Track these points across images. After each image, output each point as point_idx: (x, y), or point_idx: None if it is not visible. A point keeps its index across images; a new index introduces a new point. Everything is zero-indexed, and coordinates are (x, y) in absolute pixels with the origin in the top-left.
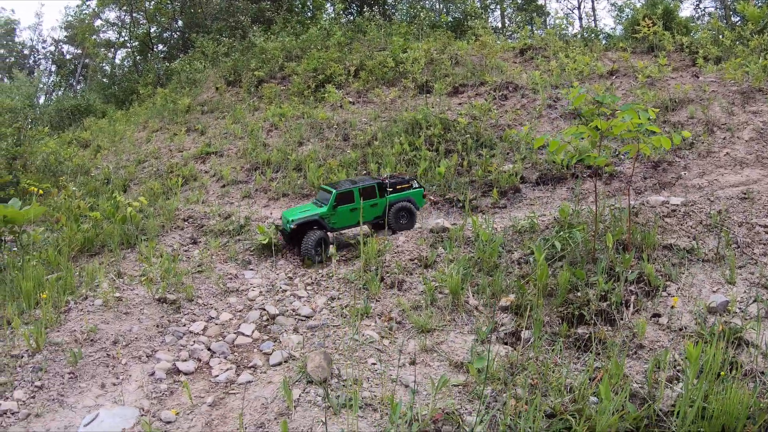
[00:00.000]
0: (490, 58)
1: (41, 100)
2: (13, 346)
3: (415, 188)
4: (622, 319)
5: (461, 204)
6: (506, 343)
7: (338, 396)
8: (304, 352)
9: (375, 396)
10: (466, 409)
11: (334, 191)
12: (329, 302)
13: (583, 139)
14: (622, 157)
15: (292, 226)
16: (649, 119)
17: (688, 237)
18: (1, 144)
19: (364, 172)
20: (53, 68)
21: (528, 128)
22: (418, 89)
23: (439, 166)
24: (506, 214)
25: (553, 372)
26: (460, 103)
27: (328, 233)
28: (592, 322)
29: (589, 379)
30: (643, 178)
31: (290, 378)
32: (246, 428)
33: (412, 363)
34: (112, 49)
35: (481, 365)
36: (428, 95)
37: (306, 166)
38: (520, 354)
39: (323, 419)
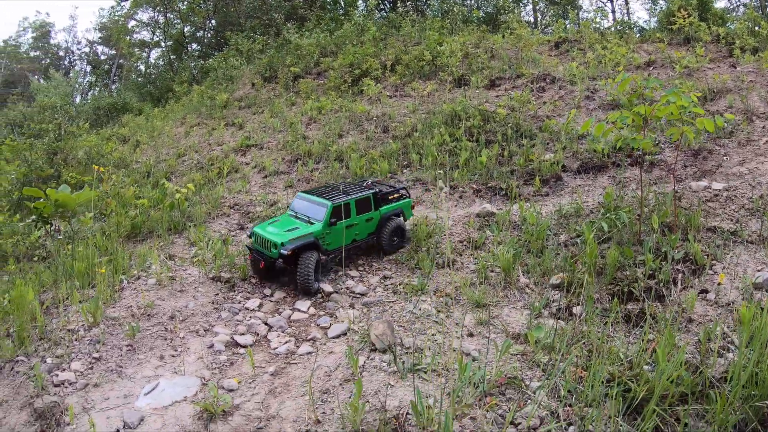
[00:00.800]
0: (526, 51)
1: (77, 100)
2: (68, 322)
3: (405, 198)
4: (670, 295)
5: (504, 192)
6: (559, 318)
7: (404, 361)
8: (362, 325)
9: (438, 363)
10: (526, 375)
11: (329, 204)
12: (382, 281)
13: (626, 125)
14: (662, 146)
15: (284, 252)
16: (691, 103)
17: (731, 220)
18: (43, 139)
19: (405, 163)
20: (88, 69)
21: (574, 113)
22: (454, 83)
23: (480, 156)
24: (549, 201)
25: (606, 343)
26: (497, 96)
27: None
28: (642, 298)
29: (645, 349)
30: (683, 166)
31: (353, 347)
32: (308, 395)
33: (470, 335)
34: (146, 49)
35: (540, 334)
36: (466, 87)
37: (347, 157)
38: (573, 327)
39: (391, 382)
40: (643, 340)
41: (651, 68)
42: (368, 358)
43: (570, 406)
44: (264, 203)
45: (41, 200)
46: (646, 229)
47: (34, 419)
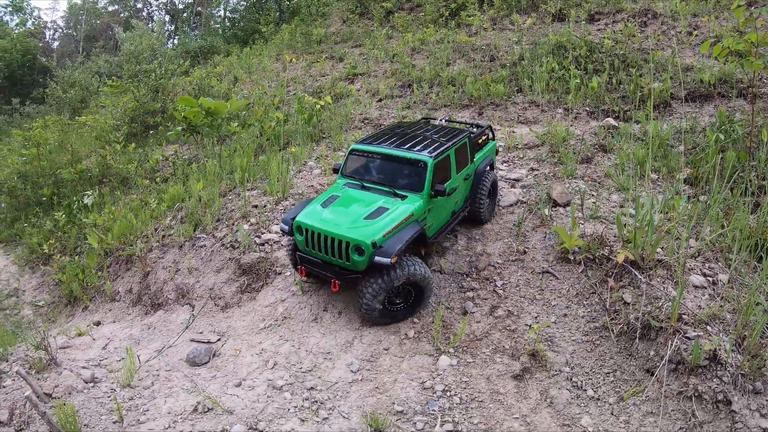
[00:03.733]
0: None
1: None
2: (248, 202)
3: (490, 140)
4: None
5: (616, 114)
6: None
7: (584, 211)
8: (530, 197)
9: (609, 214)
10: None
11: (429, 160)
12: (530, 172)
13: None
14: (765, 81)
15: (384, 260)
16: None
17: None
18: (149, 77)
19: (517, 88)
20: (167, 18)
21: (696, 34)
22: (553, 17)
23: (591, 82)
24: (659, 124)
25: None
26: (598, 30)
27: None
28: (756, 193)
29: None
30: None
31: (537, 203)
32: (505, 239)
33: (621, 206)
34: None
35: (683, 203)
36: (569, 20)
37: (460, 81)
38: (702, 207)
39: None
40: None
41: (753, 7)
42: (551, 209)
43: (713, 251)
44: (393, 117)
45: (191, 109)
46: (755, 143)
47: (237, 276)
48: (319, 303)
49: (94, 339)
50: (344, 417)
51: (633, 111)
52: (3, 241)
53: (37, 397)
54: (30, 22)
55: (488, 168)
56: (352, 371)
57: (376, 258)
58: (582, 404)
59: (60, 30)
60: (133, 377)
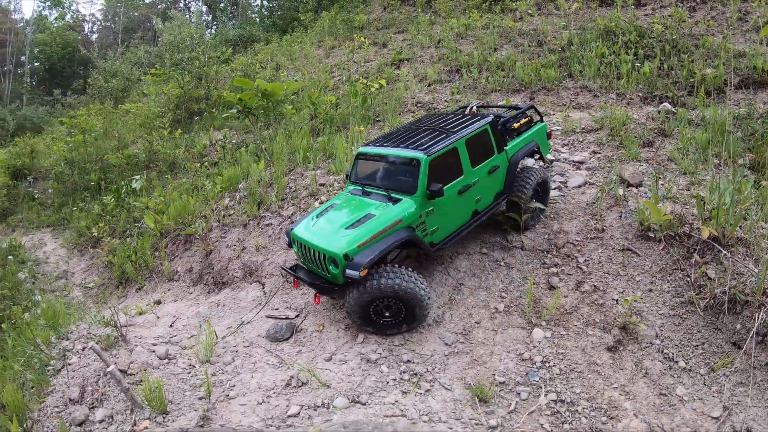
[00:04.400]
0: None
1: None
2: (315, 180)
3: (536, 122)
4: None
5: (669, 100)
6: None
7: (659, 191)
8: (597, 179)
9: (680, 195)
10: None
11: (423, 157)
12: (592, 155)
13: None
14: None
15: (353, 273)
16: None
17: None
18: (192, 65)
19: (567, 73)
20: (204, 9)
21: (757, 16)
22: (599, 1)
23: (643, 67)
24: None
25: None
26: (645, 15)
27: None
28: None
29: None
30: None
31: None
32: (580, 218)
33: (688, 189)
34: None
35: (750, 185)
36: (616, 4)
37: (509, 66)
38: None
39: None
40: None
41: None
42: (626, 189)
43: None
44: (445, 101)
45: (246, 91)
46: None
47: None
48: None
49: (158, 317)
50: (446, 388)
51: (686, 97)
52: (51, 225)
53: None
54: (68, 16)
55: (536, 157)
56: (446, 344)
57: (347, 271)
58: (675, 375)
59: (98, 23)
60: (211, 353)
